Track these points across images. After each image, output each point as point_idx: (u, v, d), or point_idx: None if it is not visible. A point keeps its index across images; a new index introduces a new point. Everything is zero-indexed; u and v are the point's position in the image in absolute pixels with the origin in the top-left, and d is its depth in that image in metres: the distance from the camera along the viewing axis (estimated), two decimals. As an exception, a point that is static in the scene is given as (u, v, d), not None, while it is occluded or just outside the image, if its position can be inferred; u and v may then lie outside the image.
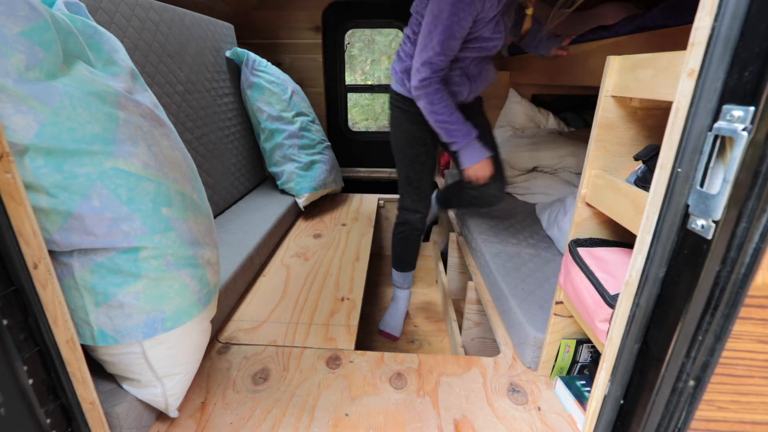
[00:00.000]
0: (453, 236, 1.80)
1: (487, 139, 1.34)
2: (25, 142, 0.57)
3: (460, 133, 1.19)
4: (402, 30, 2.28)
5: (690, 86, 0.39)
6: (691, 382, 0.43)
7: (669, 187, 0.42)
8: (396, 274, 1.53)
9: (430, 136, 1.30)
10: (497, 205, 1.39)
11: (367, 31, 5.09)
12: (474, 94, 1.33)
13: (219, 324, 1.11)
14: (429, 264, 2.26)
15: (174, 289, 0.73)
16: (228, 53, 1.76)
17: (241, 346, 1.03)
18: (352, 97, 3.94)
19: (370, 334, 1.62)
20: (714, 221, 0.38)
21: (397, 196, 2.04)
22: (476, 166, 1.23)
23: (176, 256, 0.72)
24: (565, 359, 0.91)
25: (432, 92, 1.16)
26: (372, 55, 5.35)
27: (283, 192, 1.93)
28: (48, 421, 0.54)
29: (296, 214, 1.93)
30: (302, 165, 1.88)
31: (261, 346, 1.04)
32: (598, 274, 0.71)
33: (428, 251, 2.33)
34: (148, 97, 0.78)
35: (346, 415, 0.84)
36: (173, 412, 0.81)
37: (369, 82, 5.36)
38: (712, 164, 0.38)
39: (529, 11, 1.26)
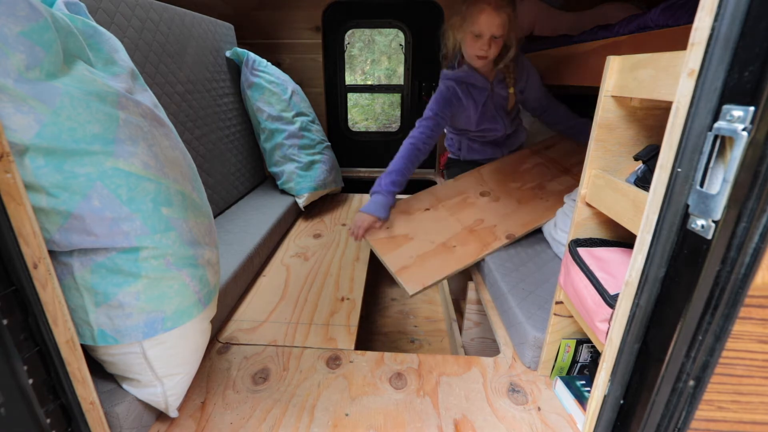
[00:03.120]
0: (453, 236, 1.80)
1: None
2: (25, 142, 0.57)
3: (380, 181, 1.38)
4: (401, 30, 2.28)
5: (690, 86, 0.39)
6: (691, 382, 0.43)
7: (669, 187, 0.42)
8: None
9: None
10: None
11: (367, 31, 5.09)
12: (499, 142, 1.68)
13: (219, 324, 1.11)
14: (429, 264, 2.26)
15: (174, 289, 0.73)
16: (228, 53, 1.76)
17: (241, 346, 1.03)
18: (352, 97, 3.94)
19: (370, 334, 1.62)
20: (714, 221, 0.38)
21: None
22: (359, 215, 1.33)
23: (176, 256, 0.72)
24: (565, 359, 0.91)
25: (408, 139, 1.45)
26: (372, 55, 5.35)
27: (283, 192, 1.93)
28: (48, 421, 0.54)
29: (296, 214, 1.93)
30: (302, 165, 1.88)
31: (261, 346, 1.04)
32: (598, 274, 0.71)
33: (428, 251, 2.33)
34: (148, 97, 0.78)
35: (346, 415, 0.84)
36: (173, 412, 0.81)
37: (369, 82, 5.36)
38: (712, 164, 0.38)
39: (510, 90, 1.50)
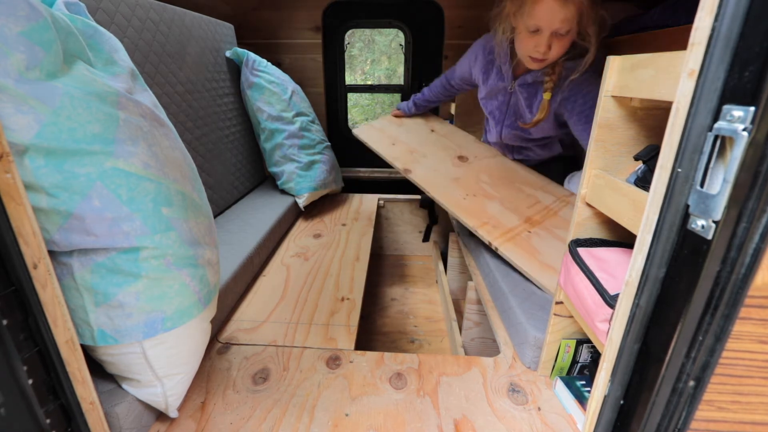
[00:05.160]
0: (453, 236, 1.80)
1: None
2: (25, 142, 0.57)
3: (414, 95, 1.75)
4: (401, 30, 2.28)
5: (690, 86, 0.39)
6: (691, 382, 0.43)
7: (669, 187, 0.42)
8: None
9: None
10: None
11: (367, 31, 5.09)
12: (497, 145, 1.55)
13: (219, 324, 1.11)
14: (429, 264, 2.26)
15: (174, 289, 0.73)
16: (228, 53, 1.76)
17: (241, 346, 1.03)
18: (352, 97, 3.94)
19: (370, 334, 1.62)
20: (714, 221, 0.38)
21: (397, 196, 2.05)
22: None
23: (176, 256, 0.72)
24: (565, 359, 0.91)
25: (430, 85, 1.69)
26: (372, 55, 5.35)
27: (283, 192, 1.93)
28: (48, 421, 0.54)
29: (296, 214, 1.93)
30: (302, 165, 1.88)
31: (261, 346, 1.04)
32: (598, 274, 0.71)
33: (428, 251, 2.33)
34: (148, 97, 0.78)
35: (346, 415, 0.84)
36: (173, 412, 0.81)
37: (369, 82, 5.36)
38: (712, 164, 0.38)
39: (547, 95, 1.09)
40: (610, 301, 0.66)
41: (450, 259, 1.86)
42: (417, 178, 1.50)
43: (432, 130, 1.76)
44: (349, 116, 2.51)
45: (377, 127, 1.78)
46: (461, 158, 1.59)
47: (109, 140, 0.65)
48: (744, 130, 0.35)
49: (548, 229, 1.26)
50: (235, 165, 1.77)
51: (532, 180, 1.45)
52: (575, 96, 1.04)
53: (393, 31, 4.52)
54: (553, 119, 1.15)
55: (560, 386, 0.88)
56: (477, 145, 1.68)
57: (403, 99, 2.46)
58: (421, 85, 2.37)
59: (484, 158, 1.59)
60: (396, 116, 1.81)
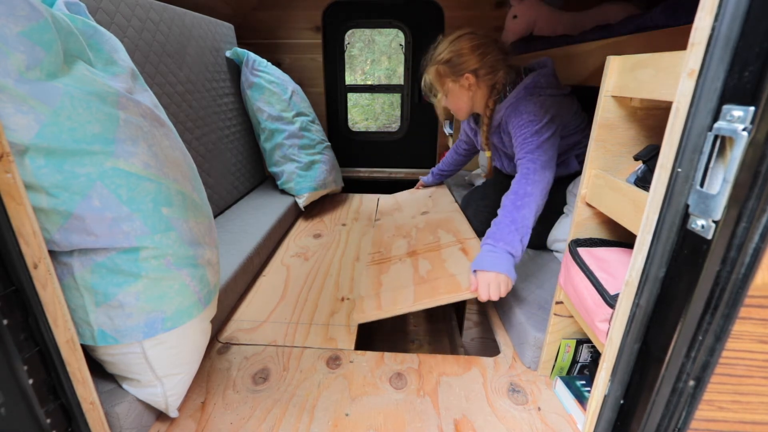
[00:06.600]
0: (453, 236, 1.80)
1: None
2: (25, 142, 0.57)
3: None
4: (401, 30, 2.28)
5: (690, 86, 0.39)
6: (691, 382, 0.43)
7: (669, 187, 0.42)
8: None
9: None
10: None
11: (367, 31, 5.10)
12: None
13: (219, 324, 1.11)
14: (429, 264, 2.26)
15: (174, 289, 0.73)
16: (228, 53, 1.76)
17: (241, 346, 1.03)
18: (352, 97, 3.94)
19: (370, 334, 1.62)
20: (714, 221, 0.38)
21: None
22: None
23: (176, 256, 0.73)
24: (565, 359, 0.91)
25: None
26: (372, 55, 5.36)
27: (283, 192, 1.93)
28: (48, 421, 0.55)
29: (296, 214, 1.93)
30: (302, 165, 1.88)
31: (261, 346, 1.04)
32: (598, 274, 0.71)
33: (428, 251, 2.33)
34: (148, 97, 0.78)
35: (346, 415, 0.84)
36: (173, 412, 0.81)
37: (369, 82, 5.36)
38: (712, 164, 0.38)
39: (487, 153, 1.38)
40: (610, 300, 0.66)
41: (450, 259, 1.85)
42: (378, 223, 1.73)
43: (429, 196, 1.90)
44: (349, 116, 2.51)
45: (396, 196, 2.05)
46: (424, 213, 1.70)
47: (110, 140, 0.65)
48: (744, 130, 0.35)
49: (416, 259, 1.30)
50: (235, 165, 1.77)
51: (453, 226, 1.47)
52: (510, 124, 1.19)
53: (393, 31, 4.52)
54: None
55: (560, 386, 0.88)
56: (448, 205, 1.73)
57: (402, 100, 2.47)
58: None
59: (440, 212, 1.66)
60: (416, 187, 2.02)
